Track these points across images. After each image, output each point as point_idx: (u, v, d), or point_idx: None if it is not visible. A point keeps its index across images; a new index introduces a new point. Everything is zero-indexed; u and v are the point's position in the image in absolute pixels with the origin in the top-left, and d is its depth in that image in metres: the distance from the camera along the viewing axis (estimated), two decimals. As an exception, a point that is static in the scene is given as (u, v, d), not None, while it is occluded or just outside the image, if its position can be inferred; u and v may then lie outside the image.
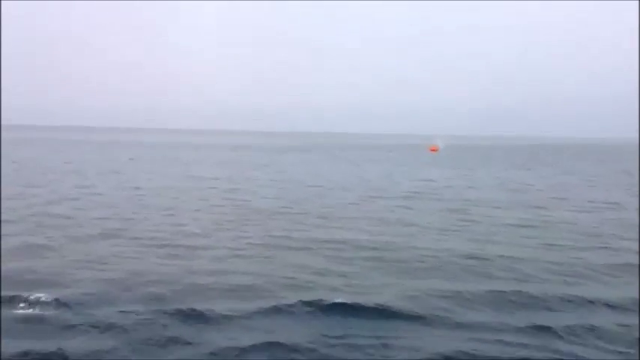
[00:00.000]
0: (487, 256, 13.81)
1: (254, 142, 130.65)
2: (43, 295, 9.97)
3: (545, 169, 50.06)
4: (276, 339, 8.50)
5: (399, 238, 16.05)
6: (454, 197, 26.53)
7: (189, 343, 8.40)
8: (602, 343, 8.63)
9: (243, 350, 8.18)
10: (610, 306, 10.29)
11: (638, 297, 10.65)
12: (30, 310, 9.52)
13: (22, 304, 9.72)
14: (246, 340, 8.49)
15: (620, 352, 8.32)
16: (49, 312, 9.48)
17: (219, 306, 9.85)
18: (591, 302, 10.46)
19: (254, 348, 8.24)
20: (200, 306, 9.76)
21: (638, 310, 10.02)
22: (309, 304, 9.93)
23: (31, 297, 9.93)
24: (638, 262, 13.33)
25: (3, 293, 10.16)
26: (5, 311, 9.43)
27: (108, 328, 8.85)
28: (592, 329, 9.09)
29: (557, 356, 8.12)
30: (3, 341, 8.29)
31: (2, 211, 19.42)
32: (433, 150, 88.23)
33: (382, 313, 9.72)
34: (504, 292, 10.93)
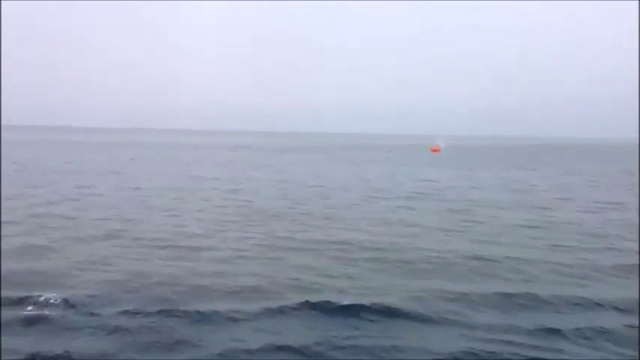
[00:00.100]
0: (493, 257, 13.70)
1: (254, 142, 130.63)
2: (46, 296, 9.89)
3: (547, 169, 50.00)
4: (283, 341, 8.43)
5: (404, 239, 15.94)
6: (457, 198, 26.43)
7: (196, 345, 8.32)
8: (610, 345, 8.55)
9: (250, 352, 8.11)
10: (618, 308, 10.19)
11: (638, 297, 10.61)
12: (34, 312, 9.43)
13: (25, 305, 9.64)
14: (253, 341, 8.42)
15: (627, 355, 8.25)
16: (54, 313, 9.39)
17: (225, 307, 9.76)
18: (599, 304, 10.36)
19: (261, 350, 8.17)
20: (205, 307, 9.68)
21: (638, 310, 9.98)
22: (315, 305, 9.84)
23: (35, 298, 9.86)
24: (638, 263, 13.27)
25: (7, 294, 10.10)
26: (8, 312, 9.35)
27: (114, 329, 8.78)
28: (601, 331, 9.00)
29: (566, 357, 8.06)
30: (7, 342, 8.22)
31: (3, 211, 19.33)
32: (435, 150, 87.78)
33: (389, 314, 9.64)
34: (511, 293, 10.83)
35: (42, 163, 46.00)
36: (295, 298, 10.21)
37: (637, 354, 8.29)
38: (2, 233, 15.65)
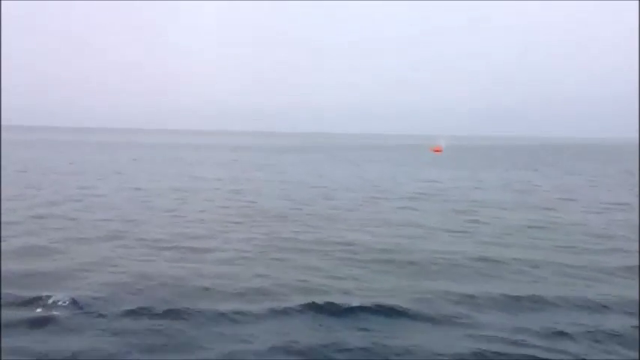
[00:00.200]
0: (499, 259, 13.62)
1: (254, 143, 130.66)
2: (55, 298, 9.86)
3: (548, 170, 49.96)
4: (290, 342, 8.38)
5: (408, 240, 15.86)
6: (460, 198, 26.36)
7: (202, 346, 8.29)
8: (618, 347, 8.49)
9: (256, 353, 8.08)
10: (625, 310, 10.12)
11: (638, 298, 10.56)
12: (42, 313, 9.39)
13: (28, 306, 9.62)
14: (258, 343, 8.39)
15: (633, 356, 8.21)
16: (62, 314, 9.36)
17: (230, 309, 9.70)
18: (605, 306, 10.30)
19: (267, 351, 8.14)
20: (211, 309, 9.65)
21: (638, 310, 9.94)
22: (321, 307, 9.78)
23: (44, 299, 9.84)
24: (638, 263, 13.21)
25: (15, 295, 10.09)
26: (11, 312, 9.32)
27: (120, 330, 8.75)
28: (609, 334, 8.94)
29: (571, 358, 8.01)
30: (16, 342, 8.21)
31: (4, 212, 19.25)
32: (437, 151, 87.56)
33: (396, 315, 9.58)
34: (518, 295, 10.76)
35: (42, 164, 45.92)
36: (301, 300, 10.14)
37: (637, 354, 8.26)
38: (5, 234, 15.59)
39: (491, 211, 21.84)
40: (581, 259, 13.90)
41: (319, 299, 10.08)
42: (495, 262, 13.32)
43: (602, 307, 10.27)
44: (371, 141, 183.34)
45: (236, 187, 29.83)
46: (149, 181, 33.00)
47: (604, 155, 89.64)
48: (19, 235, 15.78)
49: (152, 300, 10.09)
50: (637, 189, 31.25)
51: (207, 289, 10.91)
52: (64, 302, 9.74)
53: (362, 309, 9.71)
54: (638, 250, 14.85)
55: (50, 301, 9.79)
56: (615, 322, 9.42)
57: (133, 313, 9.38)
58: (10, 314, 9.28)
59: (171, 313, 9.40)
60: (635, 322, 9.45)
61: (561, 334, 8.87)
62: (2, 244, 14.32)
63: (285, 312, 9.67)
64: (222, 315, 9.42)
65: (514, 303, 10.39)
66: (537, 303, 10.40)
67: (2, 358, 7.81)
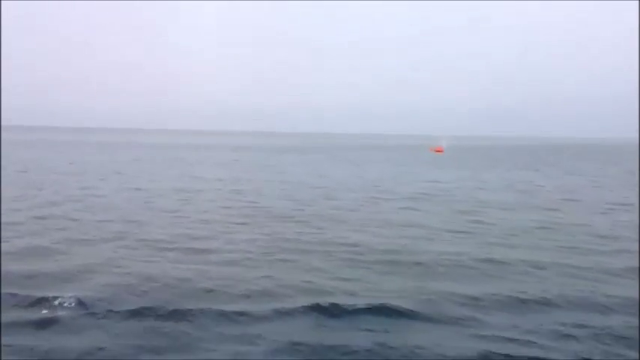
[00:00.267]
0: (504, 260, 13.56)
1: (254, 143, 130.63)
2: (60, 299, 9.85)
3: (550, 170, 49.90)
4: (294, 344, 8.35)
5: (413, 241, 15.80)
6: (463, 199, 26.30)
7: (206, 348, 8.25)
8: (624, 349, 8.42)
9: (261, 354, 8.05)
10: (630, 311, 10.05)
11: (638, 298, 10.52)
12: (44, 313, 9.37)
13: (34, 307, 9.61)
14: (263, 344, 8.36)
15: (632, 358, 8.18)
16: (64, 314, 9.34)
17: (235, 310, 9.66)
18: (611, 308, 10.24)
19: (272, 353, 8.10)
20: (215, 310, 9.60)
21: (638, 310, 9.91)
22: (326, 308, 9.73)
23: (45, 300, 9.84)
24: (638, 264, 13.17)
25: (20, 295, 10.08)
26: (18, 313, 9.30)
27: (124, 331, 8.73)
28: (615, 335, 8.89)
29: (577, 359, 7.98)
30: (18, 343, 8.19)
31: (6, 213, 19.21)
32: (438, 151, 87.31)
33: (401, 317, 9.53)
34: (524, 296, 10.71)
35: (43, 164, 45.88)
36: (305, 301, 10.09)
37: (637, 355, 8.22)
38: (7, 235, 15.55)
39: (494, 212, 21.77)
40: (586, 260, 13.83)
41: (323, 300, 10.03)
42: (500, 264, 13.26)
43: (608, 309, 10.21)
44: (371, 141, 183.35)
45: (237, 188, 29.78)
46: (150, 181, 32.95)
47: (604, 155, 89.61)
48: (22, 235, 15.74)
49: (156, 301, 10.06)
50: (638, 189, 31.16)
51: (211, 290, 10.87)
52: (70, 303, 9.74)
53: (366, 310, 9.67)
54: (638, 250, 14.80)
55: (56, 302, 9.79)
56: (620, 324, 9.37)
57: (137, 314, 9.36)
58: (16, 315, 9.26)
59: (176, 314, 9.37)
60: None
61: (567, 335, 8.82)
62: (5, 244, 14.30)
63: (289, 313, 9.62)
64: (227, 316, 9.39)
65: (519, 304, 10.35)
66: (543, 304, 10.35)
67: (10, 358, 7.79)
